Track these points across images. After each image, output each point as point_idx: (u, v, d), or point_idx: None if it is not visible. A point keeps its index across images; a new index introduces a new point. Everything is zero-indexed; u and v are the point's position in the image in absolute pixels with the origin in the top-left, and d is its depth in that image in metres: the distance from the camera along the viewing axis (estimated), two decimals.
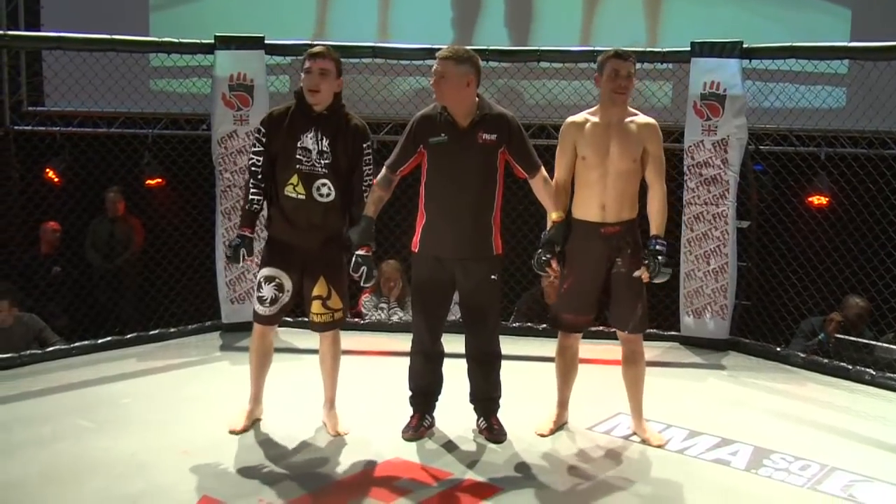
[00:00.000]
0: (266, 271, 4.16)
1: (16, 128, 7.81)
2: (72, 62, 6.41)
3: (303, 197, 4.05)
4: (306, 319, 4.27)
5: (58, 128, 7.60)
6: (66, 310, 7.42)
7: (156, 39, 6.15)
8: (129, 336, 5.91)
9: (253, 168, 4.12)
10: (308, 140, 4.04)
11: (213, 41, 6.13)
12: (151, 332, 6.02)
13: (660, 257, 4.03)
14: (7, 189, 7.79)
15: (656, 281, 4.07)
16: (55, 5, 8.17)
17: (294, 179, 4.05)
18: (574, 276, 4.19)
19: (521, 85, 6.98)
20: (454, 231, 4.03)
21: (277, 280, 4.13)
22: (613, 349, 4.94)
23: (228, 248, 4.14)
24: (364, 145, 4.12)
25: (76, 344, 5.73)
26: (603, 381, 4.82)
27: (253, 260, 4.34)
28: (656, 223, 4.09)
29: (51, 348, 5.67)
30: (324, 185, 4.05)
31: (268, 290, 4.13)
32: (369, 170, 4.13)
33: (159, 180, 7.62)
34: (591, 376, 4.63)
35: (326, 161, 4.05)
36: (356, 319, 6.46)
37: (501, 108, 4.15)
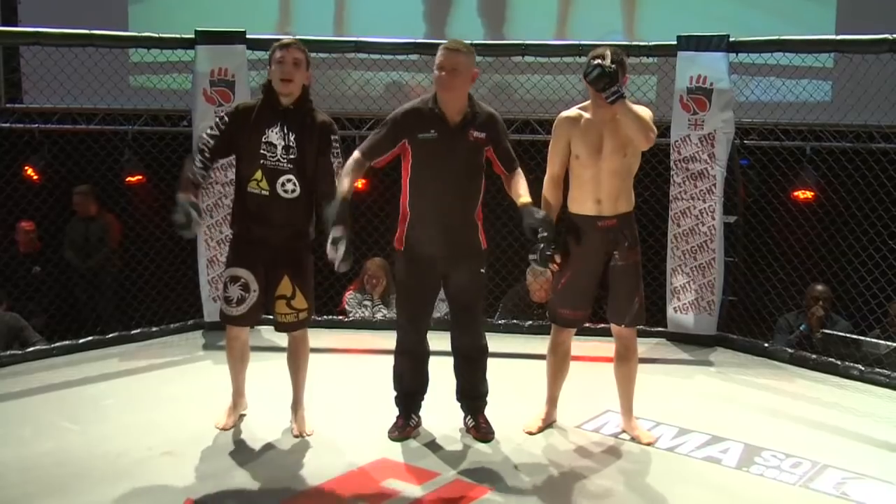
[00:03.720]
0: (231, 271, 4.08)
1: None
2: (49, 58, 6.30)
3: (266, 193, 3.96)
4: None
5: (36, 125, 7.50)
6: (45, 309, 7.31)
7: (135, 34, 6.05)
8: (110, 336, 5.82)
9: (202, 146, 4.00)
10: (273, 135, 3.96)
11: (193, 36, 6.04)
12: (133, 332, 5.93)
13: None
14: None
15: None
16: (33, 1, 8.04)
17: (258, 175, 3.96)
18: (571, 270, 4.14)
19: (506, 80, 6.93)
20: (443, 229, 3.97)
21: (243, 280, 4.04)
22: (601, 346, 4.95)
23: (177, 214, 3.81)
24: (332, 138, 4.02)
25: (57, 344, 5.64)
26: (591, 378, 4.78)
27: (203, 222, 4.14)
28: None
29: (32, 348, 5.59)
30: (289, 180, 3.96)
31: (234, 291, 4.05)
32: (338, 163, 4.02)
33: (140, 177, 7.53)
34: (579, 373, 4.58)
35: (292, 157, 3.96)
36: (340, 317, 6.40)
37: (487, 105, 4.10)
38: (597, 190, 4.03)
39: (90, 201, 7.69)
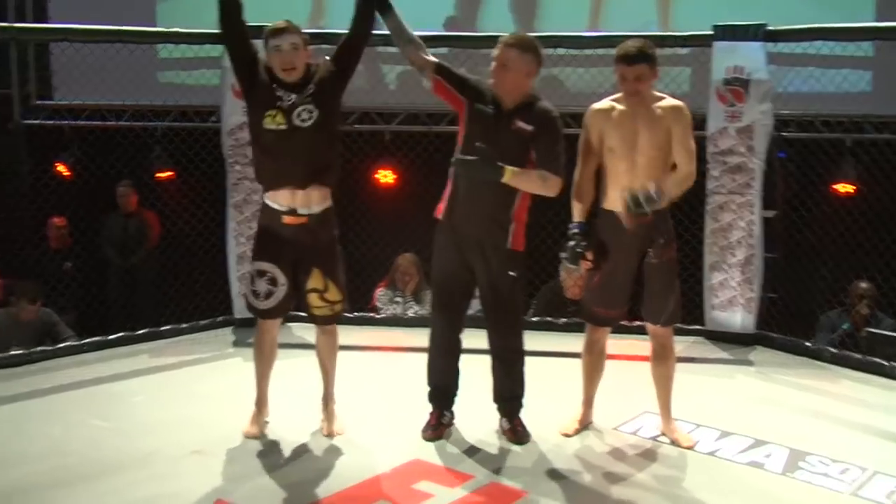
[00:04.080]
0: (257, 265, 3.98)
1: (25, 122, 7.72)
2: (78, 53, 6.28)
3: (284, 126, 3.81)
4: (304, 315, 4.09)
5: (66, 121, 7.52)
6: (76, 305, 7.32)
7: (163, 30, 5.97)
8: (140, 332, 5.78)
9: None
10: (285, 96, 3.83)
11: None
12: (163, 328, 5.88)
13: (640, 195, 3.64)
14: (17, 183, 7.70)
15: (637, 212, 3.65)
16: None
17: (272, 112, 3.81)
18: (605, 268, 4.00)
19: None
20: (473, 205, 3.88)
21: (269, 274, 3.94)
22: (637, 344, 4.82)
23: None
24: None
25: (87, 340, 5.60)
26: (628, 377, 4.66)
27: None
28: (668, 186, 3.80)
29: (62, 344, 5.58)
30: (304, 109, 3.82)
31: (261, 285, 3.95)
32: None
33: (170, 173, 7.51)
34: (616, 372, 4.47)
35: (308, 96, 3.83)
36: (371, 314, 6.32)
37: (549, 104, 3.96)
38: (632, 183, 3.88)
39: (132, 196, 7.67)
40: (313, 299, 4.00)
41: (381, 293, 6.54)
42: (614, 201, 3.93)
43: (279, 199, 3.90)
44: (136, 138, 7.19)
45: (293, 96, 3.82)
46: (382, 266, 6.72)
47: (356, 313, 6.15)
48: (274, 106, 3.81)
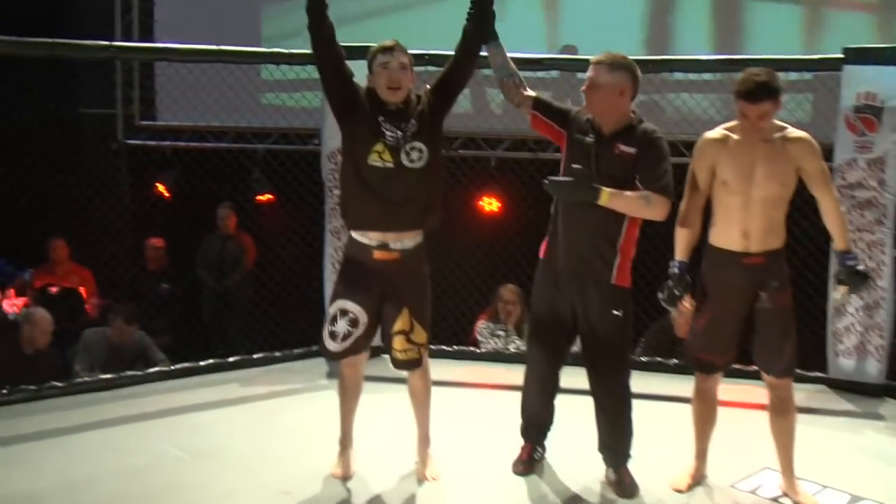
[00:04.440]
0: (340, 304, 3.69)
1: (128, 142, 7.77)
2: (177, 73, 6.28)
3: (391, 165, 3.56)
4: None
5: (168, 142, 7.53)
6: (171, 328, 7.30)
7: (264, 50, 5.83)
8: (231, 359, 5.64)
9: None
10: (387, 123, 3.57)
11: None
12: (255, 356, 5.73)
13: (858, 271, 3.57)
14: (118, 203, 7.75)
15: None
16: (169, 20, 8.05)
17: (378, 147, 3.56)
18: (712, 310, 3.68)
19: (652, 98, 6.49)
20: (572, 240, 3.63)
21: (352, 314, 3.67)
22: (755, 391, 4.43)
23: None
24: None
25: (177, 366, 5.50)
26: (744, 428, 4.29)
27: None
28: (838, 235, 3.62)
29: (152, 369, 5.48)
30: (414, 148, 3.57)
31: (341, 326, 3.67)
32: None
33: (269, 197, 7.45)
34: (733, 422, 4.11)
35: (413, 131, 3.58)
36: (471, 348, 6.05)
37: (651, 125, 3.69)
38: (745, 221, 3.57)
39: (231, 218, 7.61)
40: (399, 342, 3.71)
41: (481, 326, 6.28)
42: (724, 239, 3.62)
43: (370, 234, 3.67)
44: (233, 159, 7.16)
45: (398, 132, 3.58)
46: (484, 298, 6.48)
47: (455, 347, 5.92)
48: (379, 140, 3.58)
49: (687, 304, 3.65)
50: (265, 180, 7.34)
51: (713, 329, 3.69)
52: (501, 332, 6.15)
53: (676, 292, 3.60)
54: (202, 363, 5.51)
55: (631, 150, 3.58)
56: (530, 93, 3.81)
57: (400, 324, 3.68)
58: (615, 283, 3.64)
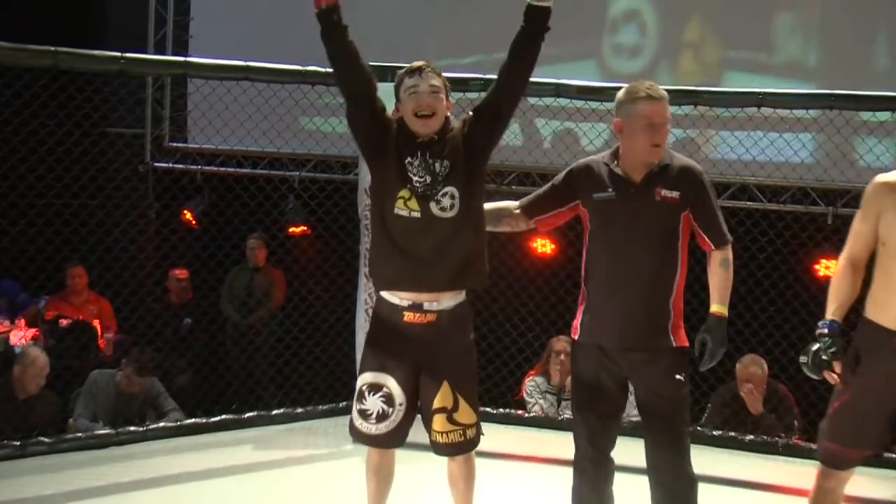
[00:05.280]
0: (369, 377, 3.11)
1: (156, 164, 7.33)
2: (214, 92, 5.75)
3: (418, 215, 3.01)
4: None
5: (198, 166, 7.05)
6: (192, 365, 6.77)
7: (297, 68, 5.18)
8: (246, 416, 5.05)
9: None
10: (416, 162, 3.02)
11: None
12: (274, 413, 5.12)
13: None
14: (143, 230, 7.26)
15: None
16: (206, 36, 7.56)
17: (405, 192, 3.01)
18: (853, 392, 2.96)
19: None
20: (620, 314, 3.07)
21: (385, 389, 3.07)
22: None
23: None
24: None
25: (185, 422, 4.94)
26: None
27: None
28: None
29: (155, 425, 4.90)
30: (445, 194, 3.01)
31: (373, 403, 3.08)
32: None
33: (303, 228, 6.92)
34: None
35: (444, 173, 3.02)
36: (518, 411, 5.37)
37: (686, 157, 3.18)
38: None
39: (261, 250, 7.09)
40: (439, 422, 3.09)
41: (530, 382, 5.58)
42: (882, 312, 2.92)
43: (400, 294, 3.07)
44: (266, 186, 6.63)
45: (427, 176, 3.00)
46: (535, 353, 5.84)
47: (500, 409, 5.29)
48: (405, 186, 3.01)
49: (835, 374, 2.95)
50: (301, 210, 6.87)
51: (850, 415, 2.98)
52: (553, 394, 5.44)
53: (824, 357, 2.95)
54: (212, 420, 4.95)
55: (674, 193, 3.07)
56: (511, 204, 3.33)
57: (440, 400, 3.08)
58: (676, 345, 3.11)
